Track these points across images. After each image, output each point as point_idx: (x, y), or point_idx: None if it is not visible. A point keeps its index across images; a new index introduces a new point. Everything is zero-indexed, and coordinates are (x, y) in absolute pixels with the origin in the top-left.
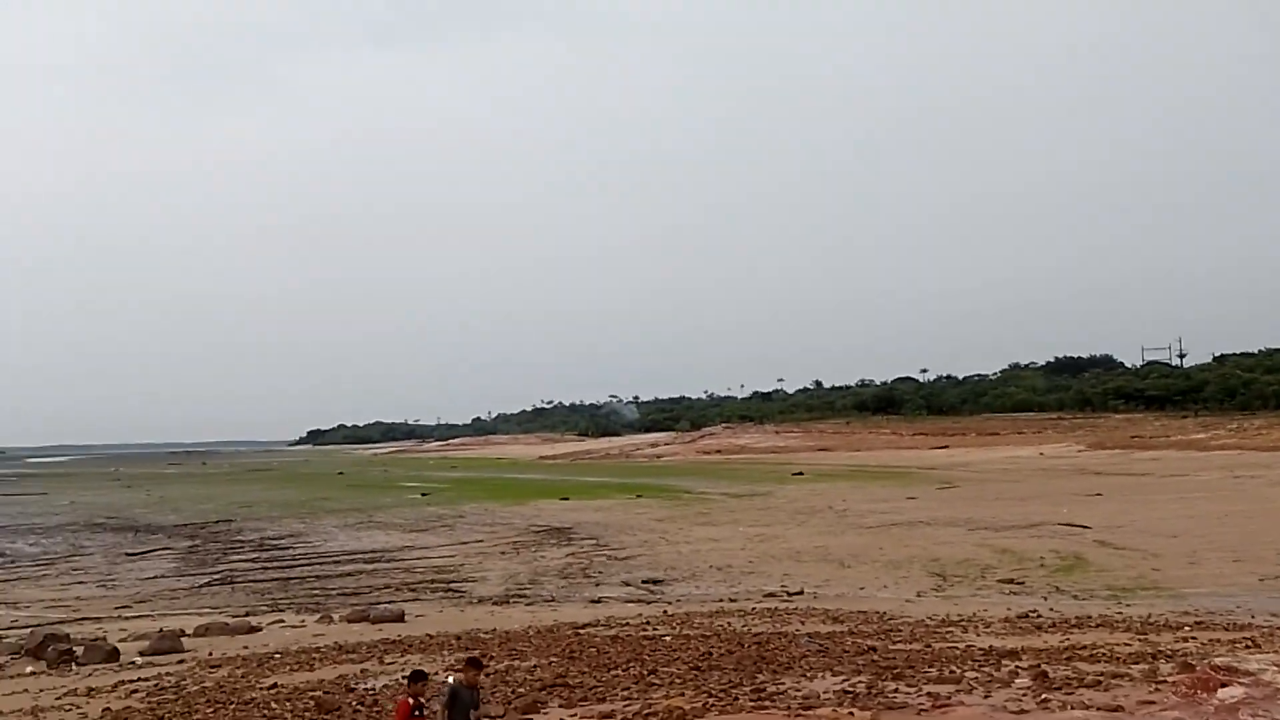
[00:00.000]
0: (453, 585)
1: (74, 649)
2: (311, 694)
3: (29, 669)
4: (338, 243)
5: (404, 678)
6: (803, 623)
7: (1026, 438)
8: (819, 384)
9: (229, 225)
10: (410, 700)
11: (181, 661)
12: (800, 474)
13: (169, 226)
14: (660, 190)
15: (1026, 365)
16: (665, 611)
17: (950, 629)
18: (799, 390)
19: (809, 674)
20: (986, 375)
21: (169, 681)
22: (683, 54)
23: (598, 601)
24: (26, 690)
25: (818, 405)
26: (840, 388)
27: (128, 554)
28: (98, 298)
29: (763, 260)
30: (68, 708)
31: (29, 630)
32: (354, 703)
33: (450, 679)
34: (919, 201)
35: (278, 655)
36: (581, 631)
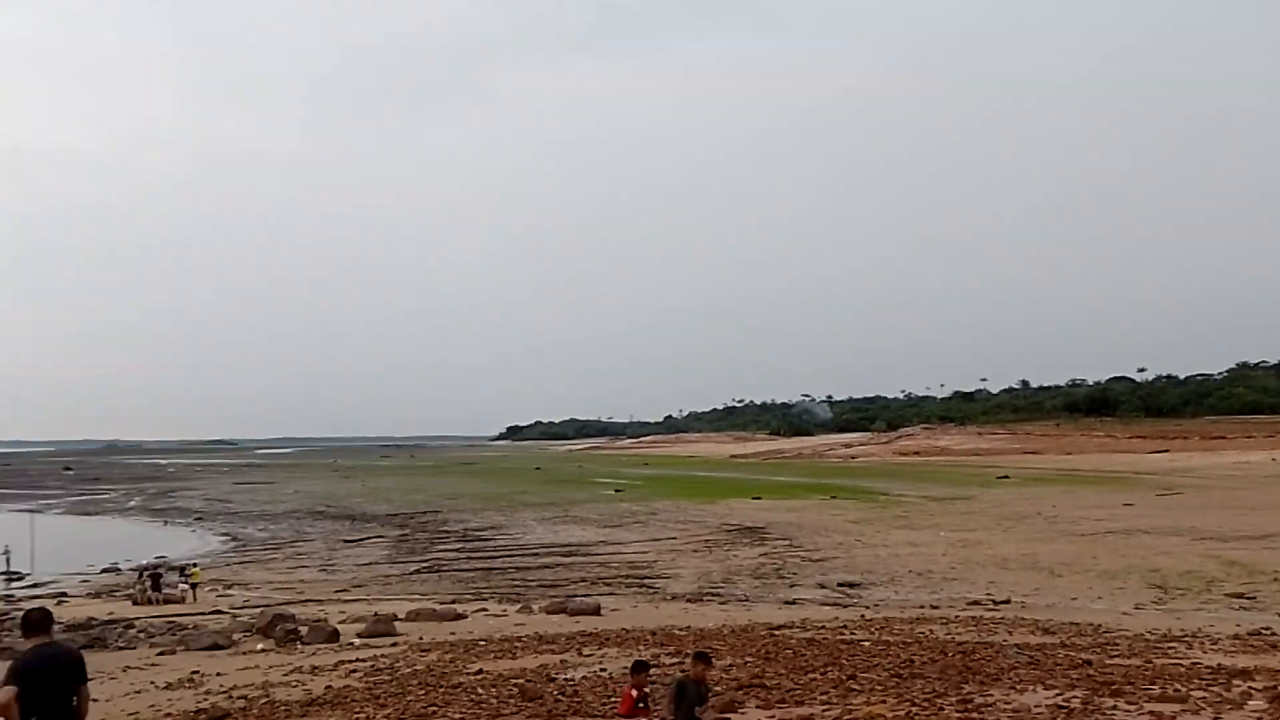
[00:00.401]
0: (646, 581)
1: (299, 629)
2: (515, 681)
3: (260, 646)
4: (542, 246)
5: (626, 668)
6: (1010, 633)
7: (1257, 442)
8: (1025, 384)
9: (439, 230)
10: (634, 691)
11: (395, 644)
12: (1006, 478)
13: (383, 232)
14: (866, 190)
15: (1256, 364)
16: (863, 616)
17: (1173, 644)
18: (1003, 390)
19: (1019, 686)
20: (1211, 375)
21: (384, 663)
22: (887, 47)
23: (792, 603)
24: (258, 666)
25: (1024, 406)
26: (1049, 388)
27: (345, 541)
28: (317, 302)
29: (967, 259)
30: (294, 684)
31: (259, 610)
32: (555, 692)
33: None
34: (1143, 192)
35: (482, 642)
36: (777, 632)
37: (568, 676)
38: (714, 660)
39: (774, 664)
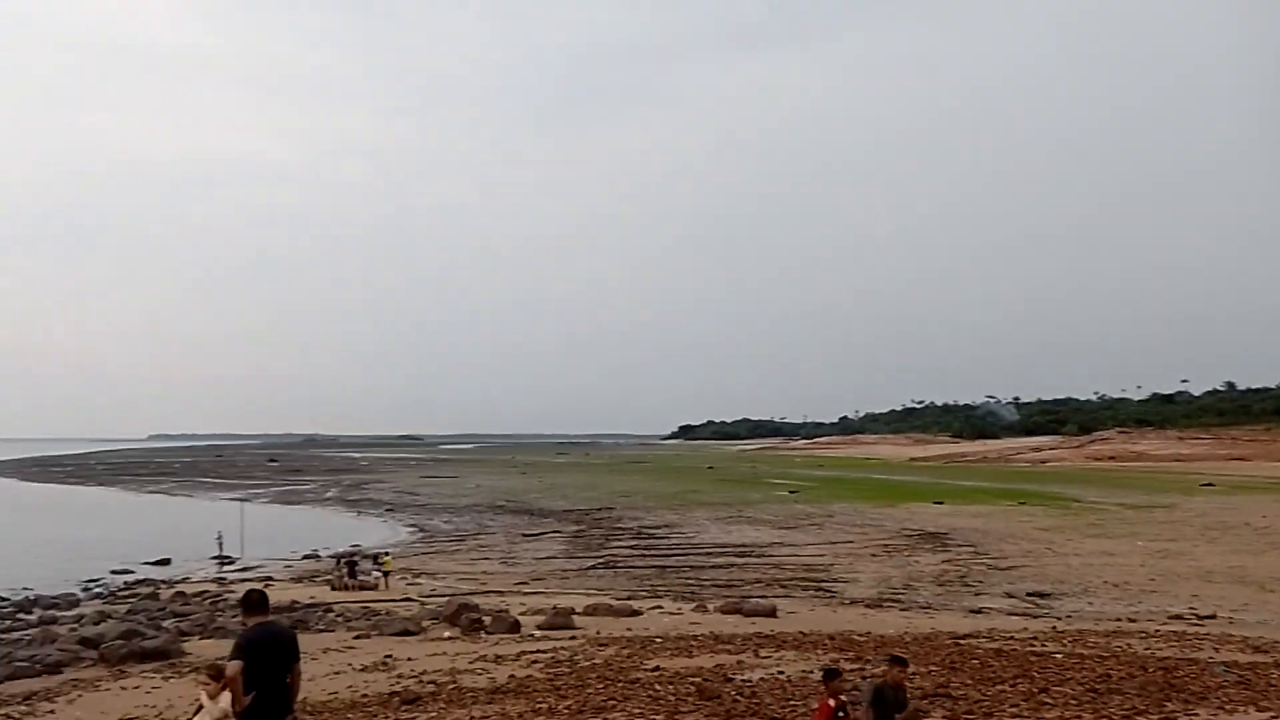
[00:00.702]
0: (823, 584)
1: (483, 619)
2: (692, 680)
3: (447, 633)
4: (715, 245)
5: (818, 677)
6: (1217, 649)
7: None
8: (1231, 385)
9: (614, 232)
10: (832, 701)
11: (573, 638)
12: (1209, 485)
13: (560, 236)
14: (1049, 180)
15: None
16: (1054, 627)
17: None
18: (1206, 392)
19: (1227, 707)
20: None
21: (563, 655)
22: (1057, 29)
23: (978, 612)
24: (445, 653)
25: (1230, 409)
26: (1258, 390)
27: (524, 534)
28: (499, 304)
29: (1165, 254)
30: (479, 671)
31: (446, 599)
32: (733, 692)
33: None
34: None
35: (658, 640)
36: (961, 642)
37: (745, 677)
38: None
39: (960, 674)
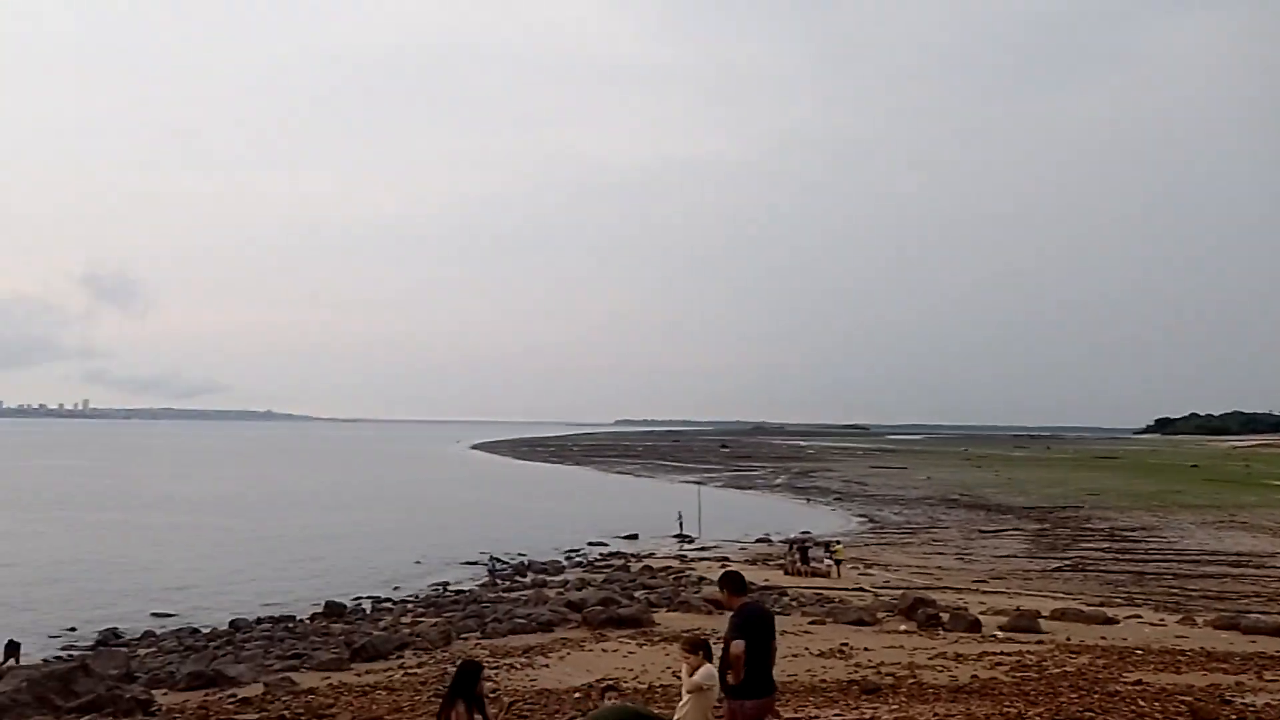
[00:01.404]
0: None
1: (940, 615)
2: (1182, 698)
3: (902, 627)
4: (1216, 204)
5: None
6: None
7: None
8: None
9: (1088, 205)
10: None
11: (1040, 642)
12: None
13: (1027, 213)
14: None
15: None
16: None
17: None
18: None
19: None
20: None
21: (1030, 660)
22: None
23: None
24: (902, 646)
25: None
26: None
27: (980, 531)
28: (944, 288)
29: None
30: (939, 668)
31: (899, 592)
32: (1232, 716)
33: None
34: None
35: (1139, 651)
36: None
37: (1246, 701)
38: None
39: None
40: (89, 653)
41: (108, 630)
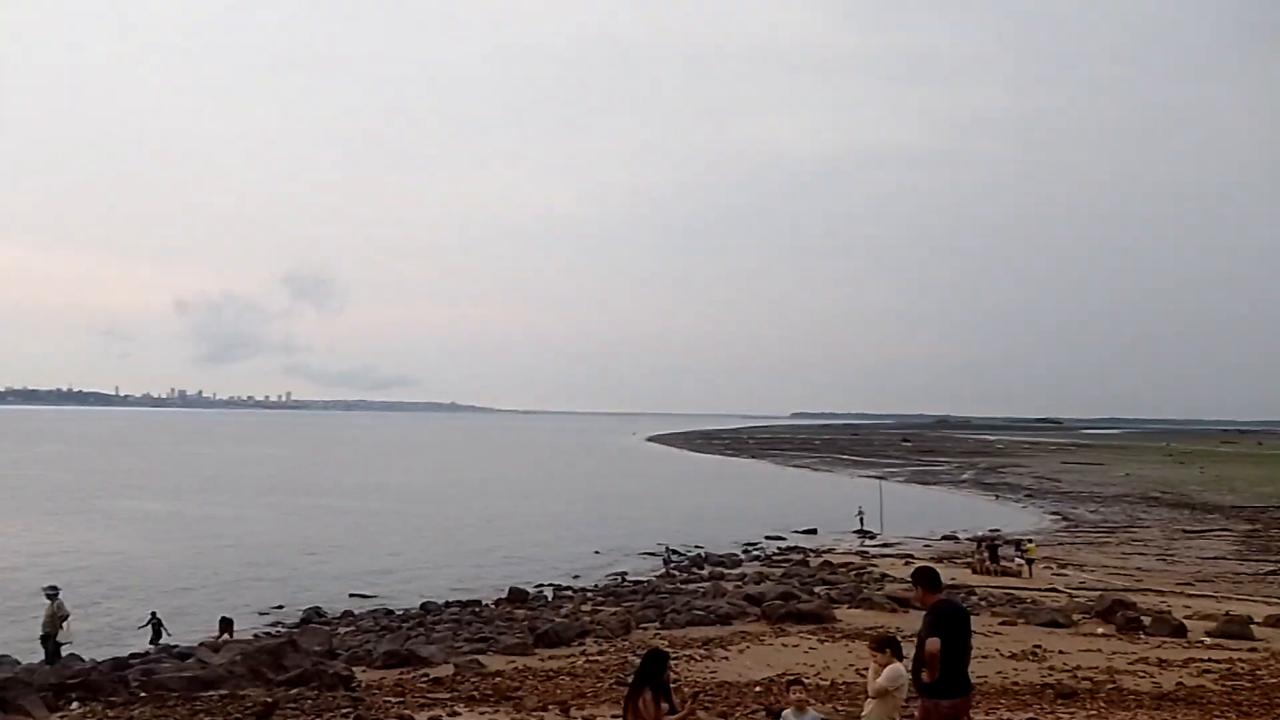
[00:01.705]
0: None
1: (1140, 618)
2: None
3: (1099, 629)
4: None
5: None
6: None
7: None
8: None
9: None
10: None
11: (1253, 650)
12: None
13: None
14: None
15: None
16: None
17: None
18: None
19: None
20: None
21: (1242, 668)
22: None
23: None
24: (1099, 650)
25: None
26: None
27: (1184, 530)
28: (1142, 276)
29: None
30: (1141, 674)
31: (1096, 593)
32: None
33: None
34: None
35: None
36: None
37: None
38: None
39: None
40: (295, 630)
41: (311, 609)
